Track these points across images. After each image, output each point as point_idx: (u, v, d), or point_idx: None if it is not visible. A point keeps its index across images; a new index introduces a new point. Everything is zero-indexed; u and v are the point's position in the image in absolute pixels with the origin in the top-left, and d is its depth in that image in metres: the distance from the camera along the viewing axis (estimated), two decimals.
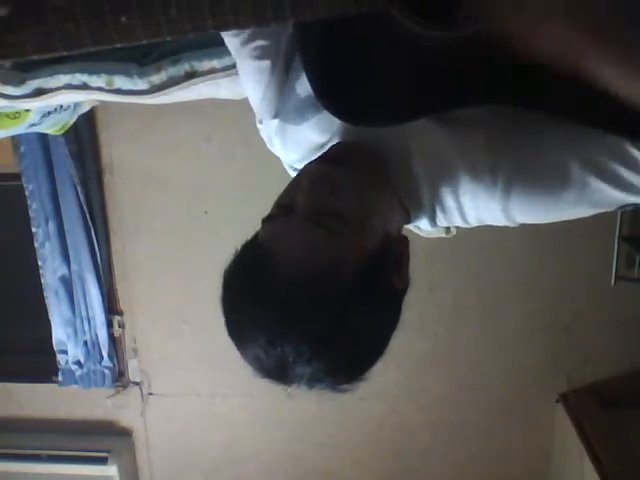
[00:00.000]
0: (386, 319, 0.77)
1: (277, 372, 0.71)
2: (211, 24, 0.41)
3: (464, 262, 2.70)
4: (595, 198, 0.73)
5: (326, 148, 0.87)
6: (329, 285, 0.69)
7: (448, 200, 0.81)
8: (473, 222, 0.84)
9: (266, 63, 0.88)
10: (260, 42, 0.88)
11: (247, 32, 0.88)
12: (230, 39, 0.91)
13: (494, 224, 0.83)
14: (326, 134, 0.86)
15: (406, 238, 0.83)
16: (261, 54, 0.88)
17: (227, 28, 0.42)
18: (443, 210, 0.83)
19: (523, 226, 0.81)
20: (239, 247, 0.77)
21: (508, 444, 2.94)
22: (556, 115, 0.68)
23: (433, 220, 0.85)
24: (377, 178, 0.80)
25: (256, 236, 0.77)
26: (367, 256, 0.73)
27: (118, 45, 0.40)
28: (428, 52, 0.63)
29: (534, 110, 0.68)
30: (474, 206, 0.80)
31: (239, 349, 0.74)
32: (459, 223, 0.86)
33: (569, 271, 2.70)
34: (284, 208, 0.75)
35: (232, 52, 0.93)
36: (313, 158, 0.89)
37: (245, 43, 0.89)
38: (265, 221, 0.76)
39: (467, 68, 0.66)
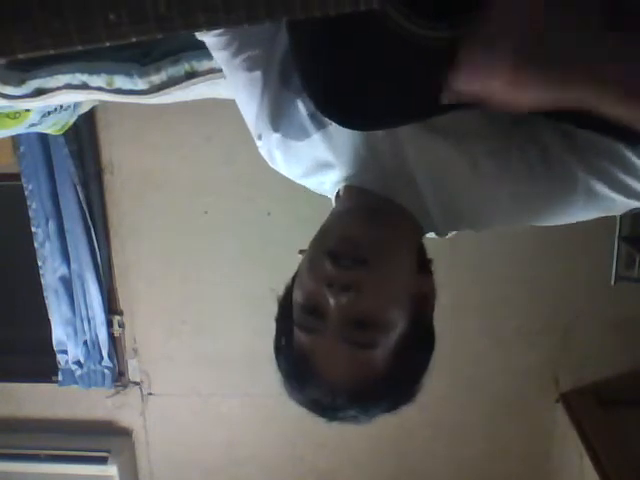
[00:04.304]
0: (427, 357, 0.82)
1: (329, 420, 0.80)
2: (203, 21, 0.40)
3: (464, 262, 2.69)
4: (600, 203, 0.73)
5: (329, 168, 0.85)
6: (376, 383, 0.75)
7: (458, 214, 0.81)
8: (483, 229, 0.84)
9: (258, 74, 0.84)
10: (250, 52, 0.84)
11: (236, 43, 0.84)
12: (219, 52, 0.86)
13: (502, 227, 0.84)
14: (329, 153, 0.84)
15: (430, 272, 0.83)
16: (252, 65, 0.84)
17: (219, 26, 0.42)
18: (454, 225, 0.84)
19: (523, 226, 0.82)
20: (278, 330, 0.82)
21: (508, 444, 2.93)
22: (556, 118, 0.67)
23: (444, 234, 0.86)
24: (400, 249, 0.79)
25: (291, 321, 0.78)
26: (403, 335, 0.76)
27: (107, 44, 0.40)
28: (426, 51, 0.62)
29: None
30: (481, 214, 0.80)
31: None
32: (468, 230, 0.86)
33: (569, 271, 2.70)
34: (314, 315, 0.75)
35: (222, 66, 0.89)
36: (316, 174, 0.88)
37: (235, 55, 0.85)
38: (300, 328, 0.76)
39: None
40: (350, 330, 0.73)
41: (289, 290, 0.80)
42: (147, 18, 0.37)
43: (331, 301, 0.72)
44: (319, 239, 0.78)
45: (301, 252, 0.82)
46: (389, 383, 0.76)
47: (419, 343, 0.78)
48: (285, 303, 0.80)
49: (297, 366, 0.76)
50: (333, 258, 0.73)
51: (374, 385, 0.75)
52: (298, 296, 0.77)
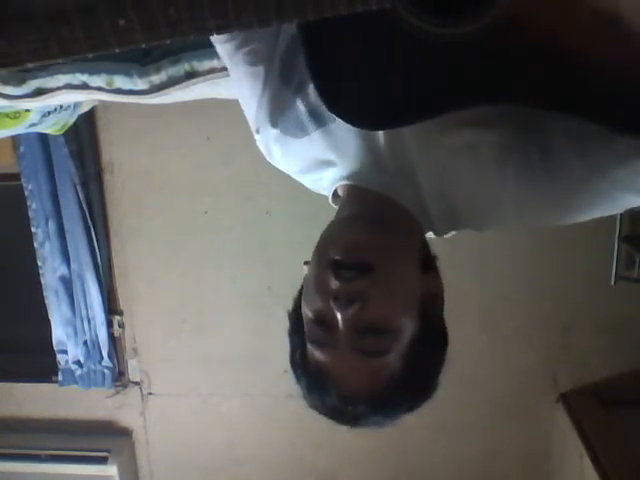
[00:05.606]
0: (442, 353, 0.81)
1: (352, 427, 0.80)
2: (212, 25, 0.40)
3: (463, 261, 2.69)
4: (602, 201, 0.73)
5: (329, 165, 0.84)
6: (394, 387, 0.75)
7: (458, 213, 0.81)
8: (483, 230, 0.84)
9: (260, 69, 0.85)
10: (253, 46, 0.84)
11: (239, 37, 0.84)
12: (222, 45, 0.87)
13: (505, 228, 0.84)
14: (328, 151, 0.83)
15: (436, 270, 0.82)
16: (255, 59, 0.85)
17: (229, 29, 0.41)
18: (453, 224, 0.83)
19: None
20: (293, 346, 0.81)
21: (508, 444, 2.93)
22: (561, 112, 0.65)
23: (443, 234, 0.86)
24: (403, 252, 0.78)
25: (302, 332, 0.78)
26: (415, 336, 0.76)
27: (116, 50, 0.40)
28: (436, 48, 0.61)
29: (542, 109, 0.66)
30: (482, 214, 0.80)
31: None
32: (468, 230, 0.86)
33: (569, 271, 2.70)
34: (324, 329, 0.74)
35: (225, 60, 0.90)
36: (314, 171, 0.88)
37: (238, 48, 0.85)
38: (312, 343, 0.76)
39: (472, 67, 0.64)
40: (361, 340, 0.73)
41: (297, 303, 0.80)
42: (158, 23, 0.37)
43: (338, 314, 0.72)
44: (321, 249, 0.77)
45: (306, 263, 0.81)
46: (407, 385, 0.76)
47: (432, 341, 0.78)
48: (295, 317, 0.80)
49: (314, 379, 0.77)
50: (336, 270, 0.72)
51: (393, 390, 0.75)
52: (306, 311, 0.76)
